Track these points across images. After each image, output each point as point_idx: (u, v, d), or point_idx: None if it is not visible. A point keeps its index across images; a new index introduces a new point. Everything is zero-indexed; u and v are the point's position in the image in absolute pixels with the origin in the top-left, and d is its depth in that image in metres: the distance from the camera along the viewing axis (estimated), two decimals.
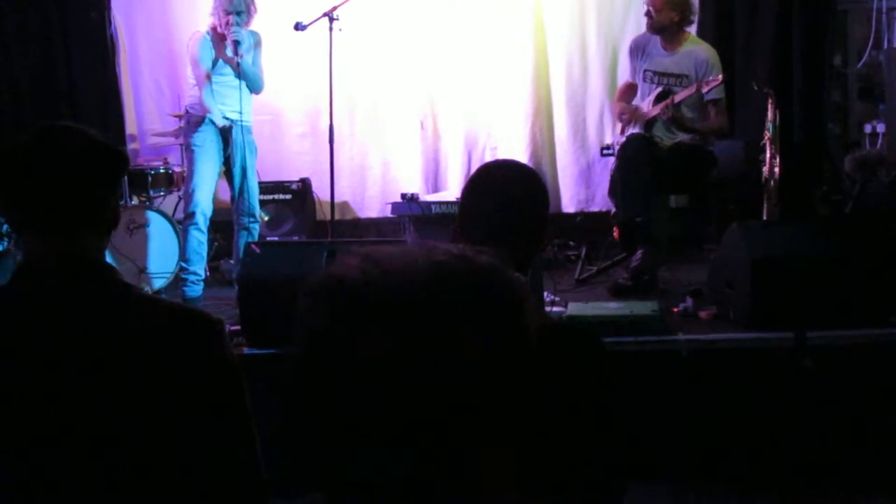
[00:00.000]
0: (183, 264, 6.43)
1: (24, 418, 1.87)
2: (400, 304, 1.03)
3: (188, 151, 6.52)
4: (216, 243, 7.49)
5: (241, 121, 6.45)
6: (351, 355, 1.03)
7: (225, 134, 6.45)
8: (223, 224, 7.07)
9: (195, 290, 6.36)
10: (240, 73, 6.37)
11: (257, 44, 6.60)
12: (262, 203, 7.29)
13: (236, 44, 6.29)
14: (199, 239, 6.37)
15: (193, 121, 6.49)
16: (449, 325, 1.02)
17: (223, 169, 6.57)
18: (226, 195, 6.94)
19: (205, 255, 6.47)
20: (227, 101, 6.41)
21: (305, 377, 1.09)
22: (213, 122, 6.42)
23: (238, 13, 6.32)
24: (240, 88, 6.40)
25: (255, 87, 6.55)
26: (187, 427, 1.93)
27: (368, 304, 1.04)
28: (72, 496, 1.88)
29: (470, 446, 1.03)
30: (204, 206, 6.33)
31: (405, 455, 1.02)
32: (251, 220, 6.51)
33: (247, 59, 6.43)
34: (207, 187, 6.37)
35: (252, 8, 6.45)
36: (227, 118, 6.41)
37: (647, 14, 6.54)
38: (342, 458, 1.06)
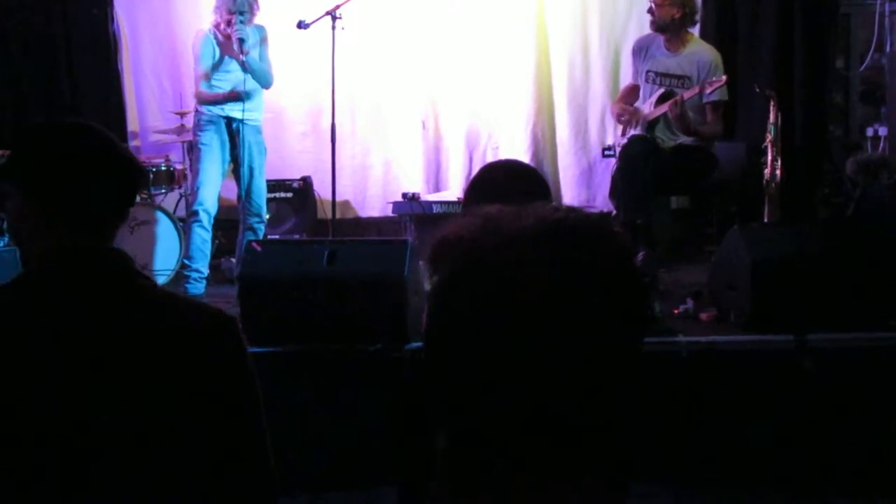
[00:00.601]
0: (186, 261, 6.43)
1: (37, 414, 1.87)
2: (513, 257, 1.06)
3: (195, 150, 6.54)
4: (217, 241, 7.48)
5: (247, 119, 6.44)
6: (471, 307, 1.06)
7: (232, 133, 6.44)
8: (224, 222, 7.06)
9: (197, 287, 6.36)
10: (247, 69, 6.37)
11: (264, 39, 6.61)
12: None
13: (241, 41, 6.29)
14: (202, 237, 6.37)
15: (205, 119, 6.49)
16: (561, 278, 1.05)
17: (230, 168, 6.57)
18: (230, 193, 6.94)
19: (208, 252, 6.47)
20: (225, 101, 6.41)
21: (436, 338, 1.11)
22: (220, 121, 6.41)
23: (241, 13, 6.33)
24: (245, 86, 6.40)
25: (263, 82, 6.55)
26: (203, 423, 1.95)
27: (484, 258, 1.07)
28: (81, 495, 1.88)
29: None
30: (208, 204, 6.34)
31: (524, 404, 1.05)
32: (258, 220, 6.50)
33: (253, 55, 6.43)
34: (212, 185, 6.37)
35: (255, 6, 6.46)
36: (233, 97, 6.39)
37: (650, 11, 6.55)
38: (468, 401, 1.09)
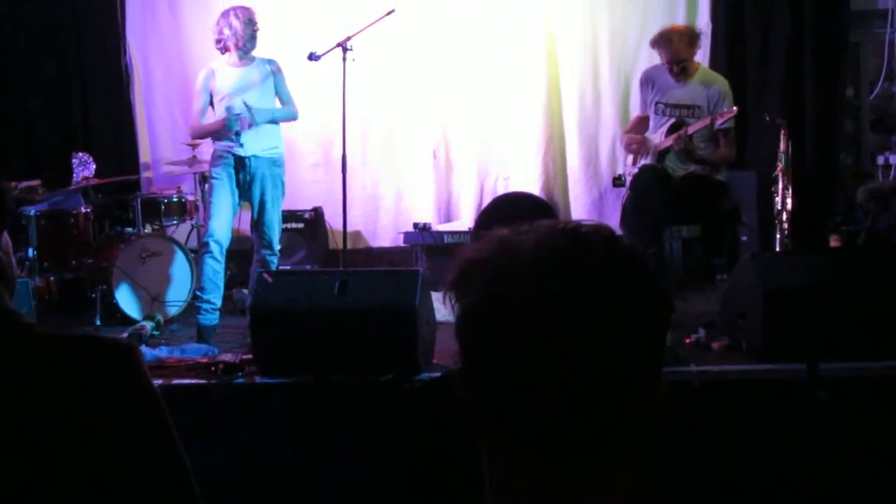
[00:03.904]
0: (198, 293, 6.41)
1: None
2: (533, 272, 1.10)
3: (209, 182, 6.57)
4: (229, 272, 7.50)
5: (259, 152, 6.44)
6: (502, 325, 1.10)
7: (243, 166, 6.43)
8: (235, 253, 7.07)
9: (209, 318, 6.35)
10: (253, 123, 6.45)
11: (276, 70, 6.65)
12: None
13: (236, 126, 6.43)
14: (213, 268, 6.37)
15: (216, 153, 6.51)
16: (582, 286, 1.09)
17: (243, 201, 6.58)
18: (243, 225, 6.95)
19: (221, 284, 6.45)
20: (243, 132, 6.43)
21: (473, 357, 1.15)
22: (230, 155, 6.43)
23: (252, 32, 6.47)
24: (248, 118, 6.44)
25: (289, 120, 6.65)
26: (101, 457, 1.88)
27: (507, 277, 1.11)
28: None
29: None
30: (218, 235, 6.33)
31: (549, 396, 1.09)
32: (269, 252, 6.50)
33: (264, 92, 6.52)
34: (223, 217, 6.37)
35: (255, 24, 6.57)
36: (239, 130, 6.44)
37: (671, 67, 6.57)
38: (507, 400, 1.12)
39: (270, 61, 6.67)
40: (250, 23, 6.49)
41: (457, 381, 1.15)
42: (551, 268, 1.10)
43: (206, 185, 6.70)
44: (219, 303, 6.45)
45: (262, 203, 6.45)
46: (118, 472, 1.90)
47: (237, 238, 6.98)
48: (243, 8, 6.55)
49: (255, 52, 6.61)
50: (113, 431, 1.90)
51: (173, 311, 7.07)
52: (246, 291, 6.91)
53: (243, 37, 6.46)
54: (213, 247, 6.33)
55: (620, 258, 1.13)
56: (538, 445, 1.10)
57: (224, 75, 6.49)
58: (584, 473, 1.12)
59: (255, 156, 6.43)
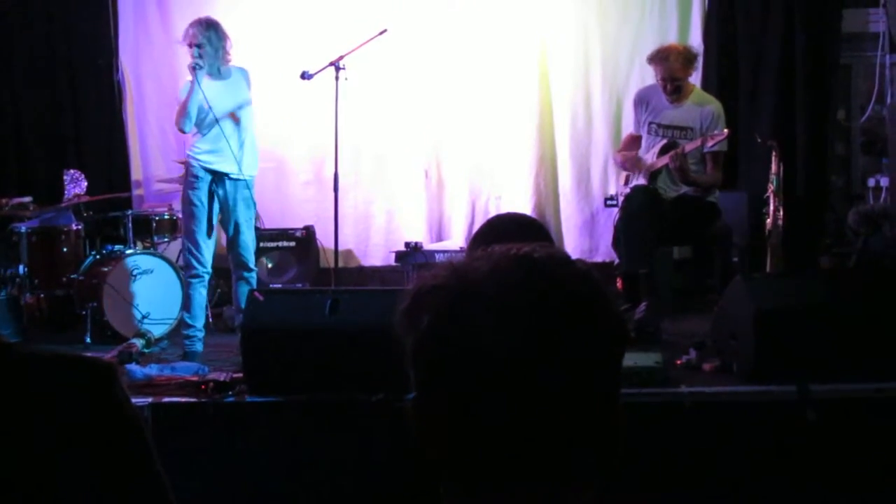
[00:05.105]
0: (188, 320, 6.35)
1: None
2: (483, 296, 1.11)
3: (184, 204, 6.45)
4: (219, 290, 7.49)
5: (234, 176, 6.35)
6: (453, 347, 1.12)
7: (218, 189, 6.36)
8: (225, 270, 7.06)
9: (199, 346, 6.33)
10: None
11: (246, 80, 6.49)
12: (267, 250, 7.35)
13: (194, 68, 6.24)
14: (203, 294, 6.37)
15: (190, 172, 6.41)
16: (529, 309, 1.10)
17: (219, 219, 6.51)
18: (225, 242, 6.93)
19: (205, 307, 6.48)
20: (212, 154, 6.35)
21: (425, 377, 1.16)
22: (207, 176, 6.35)
23: (198, 45, 6.26)
24: (225, 139, 6.30)
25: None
26: (78, 477, 1.85)
27: (457, 302, 1.12)
28: None
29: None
30: (208, 264, 6.34)
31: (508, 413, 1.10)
32: (246, 271, 6.45)
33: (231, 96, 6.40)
34: (208, 245, 6.34)
35: (213, 39, 6.34)
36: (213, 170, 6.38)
37: (664, 84, 6.57)
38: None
39: (242, 70, 6.54)
40: (200, 45, 6.24)
41: (409, 410, 1.15)
42: (505, 294, 1.10)
43: (184, 207, 6.51)
44: (202, 328, 6.45)
45: (237, 226, 6.38)
46: (95, 492, 1.88)
47: (224, 256, 6.96)
48: (193, 28, 6.32)
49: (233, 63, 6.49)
50: (90, 451, 1.87)
51: (162, 329, 7.04)
52: (234, 309, 6.89)
53: (200, 58, 6.31)
54: (204, 275, 6.34)
55: (574, 282, 1.14)
56: (495, 471, 1.10)
57: (207, 87, 6.35)
58: (542, 499, 1.12)
59: (228, 178, 6.33)
